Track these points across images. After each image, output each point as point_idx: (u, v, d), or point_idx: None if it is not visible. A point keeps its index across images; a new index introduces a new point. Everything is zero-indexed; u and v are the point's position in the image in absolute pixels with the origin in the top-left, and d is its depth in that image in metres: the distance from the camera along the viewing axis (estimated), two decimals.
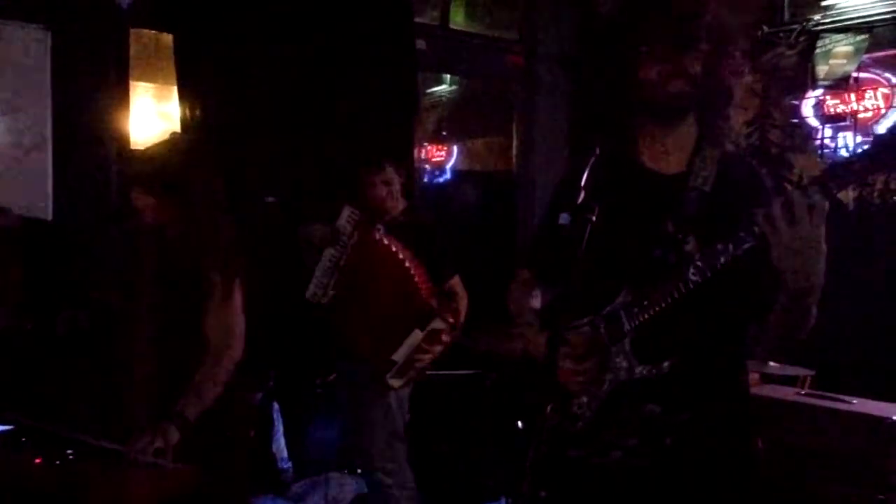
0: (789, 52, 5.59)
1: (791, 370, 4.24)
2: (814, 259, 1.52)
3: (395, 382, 3.64)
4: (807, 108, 5.63)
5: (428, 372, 3.91)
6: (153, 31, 5.05)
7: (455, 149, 7.90)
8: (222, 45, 4.60)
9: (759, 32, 5.77)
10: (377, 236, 3.65)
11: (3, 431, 2.47)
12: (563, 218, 1.67)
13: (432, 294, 3.64)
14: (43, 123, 4.34)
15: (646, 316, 1.73)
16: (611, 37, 1.83)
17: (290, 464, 4.82)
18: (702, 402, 1.78)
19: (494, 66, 6.23)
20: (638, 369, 1.76)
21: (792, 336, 1.70)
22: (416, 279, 3.57)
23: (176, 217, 2.57)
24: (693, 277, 1.65)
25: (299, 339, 4.59)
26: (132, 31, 4.87)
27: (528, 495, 1.65)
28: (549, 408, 1.83)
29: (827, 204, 1.48)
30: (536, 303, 2.05)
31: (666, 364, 1.73)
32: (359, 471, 4.66)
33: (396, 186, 3.84)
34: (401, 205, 3.90)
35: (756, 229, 1.55)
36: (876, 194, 5.17)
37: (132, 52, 5.01)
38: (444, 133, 7.95)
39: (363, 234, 3.68)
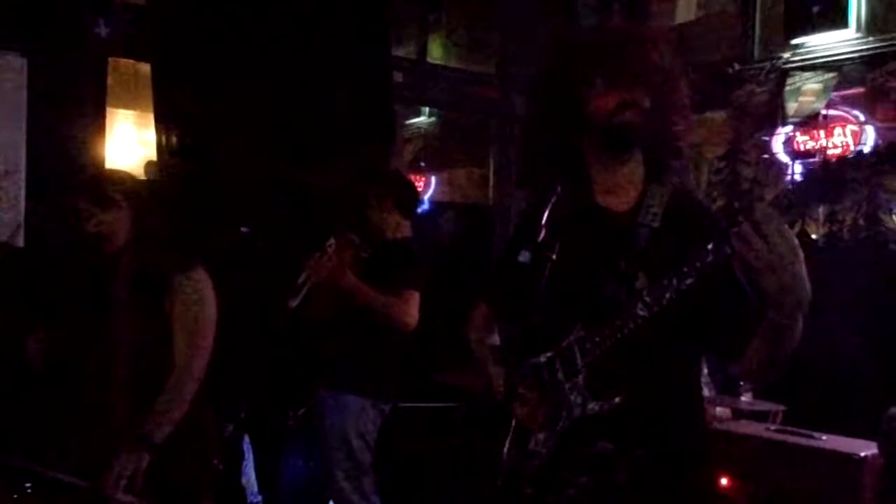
0: (760, 90, 5.68)
1: (762, 405, 4.26)
2: (797, 267, 1.52)
3: (291, 302, 3.71)
4: (777, 145, 5.71)
5: (402, 404, 3.89)
6: (132, 60, 5.07)
7: (433, 179, 7.93)
8: (199, 74, 4.62)
9: (730, 69, 5.87)
10: (326, 246, 3.68)
11: None
12: (524, 255, 1.69)
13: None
14: (17, 149, 4.34)
15: (598, 352, 1.75)
16: (561, 73, 1.86)
17: (259, 498, 4.76)
18: (655, 439, 1.78)
19: (470, 98, 6.30)
20: (590, 405, 1.77)
21: (780, 357, 1.69)
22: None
23: (146, 223, 2.61)
24: (641, 313, 1.67)
25: (272, 371, 4.56)
26: (112, 59, 4.90)
27: None
28: (506, 444, 1.84)
29: (781, 217, 1.50)
30: (495, 338, 2.06)
31: (617, 399, 1.74)
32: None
33: (374, 212, 3.85)
34: (389, 231, 3.87)
35: (698, 265, 1.56)
36: (846, 230, 5.24)
37: (114, 80, 5.04)
38: (422, 164, 7.97)
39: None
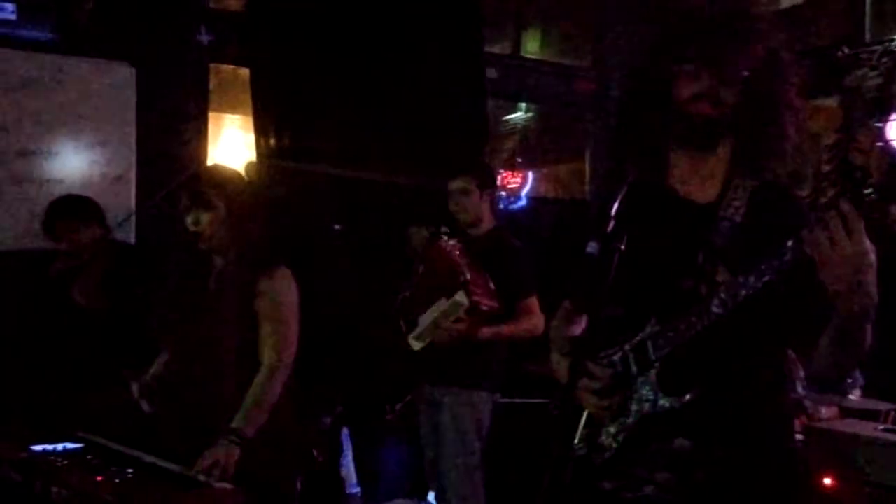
0: (872, 73, 5.40)
1: (872, 404, 4.07)
2: (863, 276, 1.46)
3: (415, 344, 3.71)
4: (892, 131, 5.41)
5: (503, 400, 3.93)
6: (232, 66, 5.27)
7: (530, 175, 7.88)
8: (295, 76, 4.77)
9: (841, 53, 5.60)
10: (442, 243, 3.68)
11: (72, 449, 2.60)
12: (592, 247, 1.67)
13: (481, 282, 3.61)
14: (128, 154, 4.59)
15: (671, 347, 1.71)
16: (650, 57, 1.80)
17: (358, 489, 4.86)
18: (734, 437, 1.72)
19: (566, 92, 6.24)
20: (661, 401, 1.73)
21: (848, 359, 1.65)
22: (468, 276, 3.55)
23: (239, 227, 2.71)
24: (716, 310, 1.62)
25: (369, 365, 4.65)
26: (216, 65, 5.11)
27: None
28: (577, 437, 1.82)
29: (862, 220, 1.43)
30: (573, 330, 2.04)
31: (687, 396, 1.70)
32: (430, 496, 4.68)
33: (472, 200, 3.86)
34: (486, 223, 3.91)
35: (776, 262, 1.51)
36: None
37: (220, 85, 5.26)
38: (520, 160, 7.93)
39: (436, 243, 3.75)
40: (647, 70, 1.79)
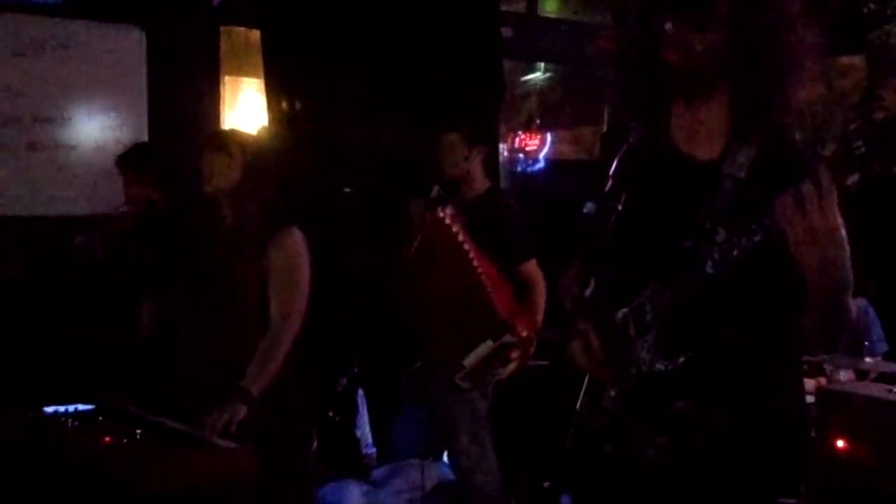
0: None
1: (889, 367, 4.02)
2: (832, 251, 1.44)
3: (464, 384, 3.65)
4: None
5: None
6: (244, 28, 5.22)
7: (548, 137, 7.81)
8: (306, 38, 4.72)
9: (866, 9, 5.46)
10: (440, 214, 3.59)
11: (83, 411, 2.64)
12: (588, 207, 1.64)
13: (500, 285, 3.56)
14: (140, 119, 4.58)
15: (669, 309, 1.68)
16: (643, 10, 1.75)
17: (374, 449, 4.90)
18: (736, 400, 1.69)
19: (584, 52, 6.12)
20: (657, 365, 1.71)
21: (829, 333, 1.63)
22: (479, 269, 3.48)
23: (251, 183, 2.71)
24: (710, 271, 1.59)
25: (384, 327, 4.66)
26: (226, 28, 5.07)
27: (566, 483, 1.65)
28: (579, 401, 1.81)
29: (835, 191, 1.40)
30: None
31: (681, 359, 1.67)
32: (444, 457, 4.71)
33: (459, 156, 3.81)
34: (479, 182, 3.88)
35: (767, 221, 1.48)
36: None
37: (235, 49, 5.22)
38: (538, 121, 7.85)
39: (432, 213, 3.66)
40: (638, 25, 1.74)
